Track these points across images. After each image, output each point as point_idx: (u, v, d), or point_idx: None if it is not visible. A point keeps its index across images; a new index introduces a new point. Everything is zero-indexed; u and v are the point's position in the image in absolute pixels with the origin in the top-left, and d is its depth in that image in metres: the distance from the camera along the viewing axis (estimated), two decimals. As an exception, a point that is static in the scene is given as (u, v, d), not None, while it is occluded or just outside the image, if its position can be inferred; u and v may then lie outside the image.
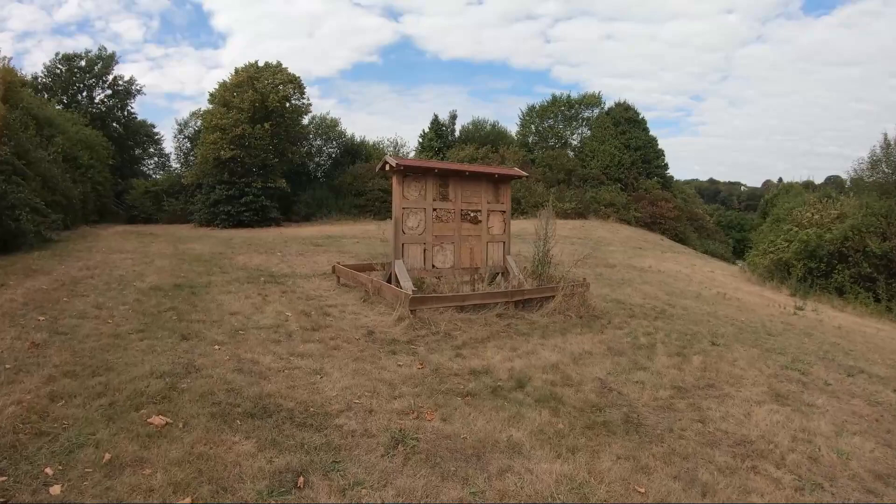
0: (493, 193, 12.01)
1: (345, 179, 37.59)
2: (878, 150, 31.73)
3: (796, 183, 71.03)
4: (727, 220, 61.31)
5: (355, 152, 42.52)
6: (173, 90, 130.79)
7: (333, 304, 9.86)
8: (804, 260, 22.36)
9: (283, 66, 34.31)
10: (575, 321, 10.00)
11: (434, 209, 11.00)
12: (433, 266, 11.04)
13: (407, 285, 9.98)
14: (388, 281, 10.82)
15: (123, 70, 55.79)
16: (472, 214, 11.61)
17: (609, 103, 48.16)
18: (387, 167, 10.38)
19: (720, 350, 8.74)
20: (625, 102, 46.34)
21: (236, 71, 33.81)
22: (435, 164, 10.95)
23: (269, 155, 33.09)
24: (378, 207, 35.75)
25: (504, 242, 12.31)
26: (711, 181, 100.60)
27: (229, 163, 31.72)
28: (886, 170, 31.27)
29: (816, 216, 24.01)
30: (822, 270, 22.22)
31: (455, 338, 8.19)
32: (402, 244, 10.58)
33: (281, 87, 33.05)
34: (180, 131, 45.13)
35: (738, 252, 50.19)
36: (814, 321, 15.23)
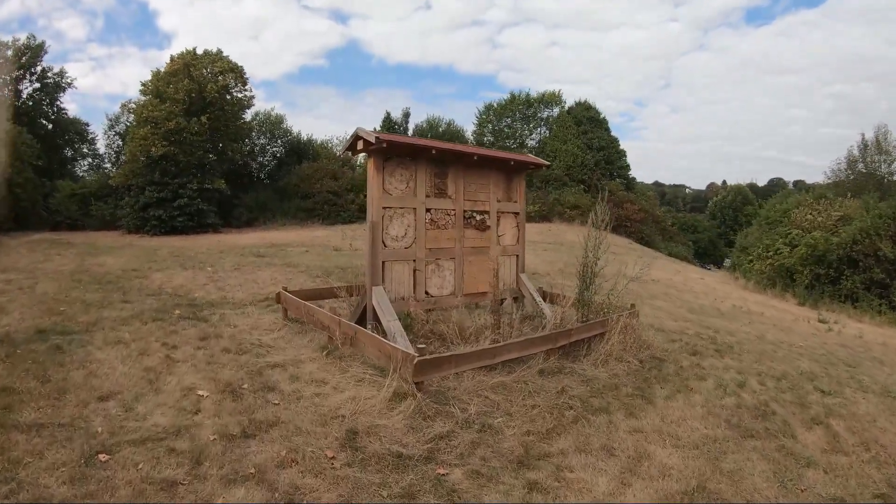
0: (504, 188, 8.45)
1: (290, 181, 32.99)
2: (855, 151, 30.06)
3: (743, 185, 70.84)
4: (680, 222, 59.50)
5: (302, 152, 37.78)
6: (116, 91, 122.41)
7: (279, 362, 6.01)
8: (811, 266, 19.67)
9: (224, 54, 29.83)
10: (639, 369, 7.10)
11: (427, 209, 7.33)
12: (426, 293, 7.36)
13: (393, 326, 6.30)
14: (362, 316, 7.10)
15: (70, 71, 49.68)
16: (478, 217, 8.00)
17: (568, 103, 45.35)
18: (359, 145, 6.65)
19: (843, 403, 6.88)
20: (586, 101, 43.50)
21: (171, 58, 29.05)
22: (431, 142, 7.27)
23: (207, 153, 28.54)
24: (327, 211, 31.56)
25: (517, 256, 8.77)
26: (656, 184, 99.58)
27: (161, 161, 26.95)
28: (863, 170, 29.47)
29: (819, 218, 21.39)
30: (831, 276, 19.60)
31: (502, 433, 4.62)
32: (383, 263, 6.86)
33: (220, 76, 28.50)
34: (111, 127, 39.63)
35: (699, 255, 48.20)
36: (853, 338, 13.62)
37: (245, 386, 5.22)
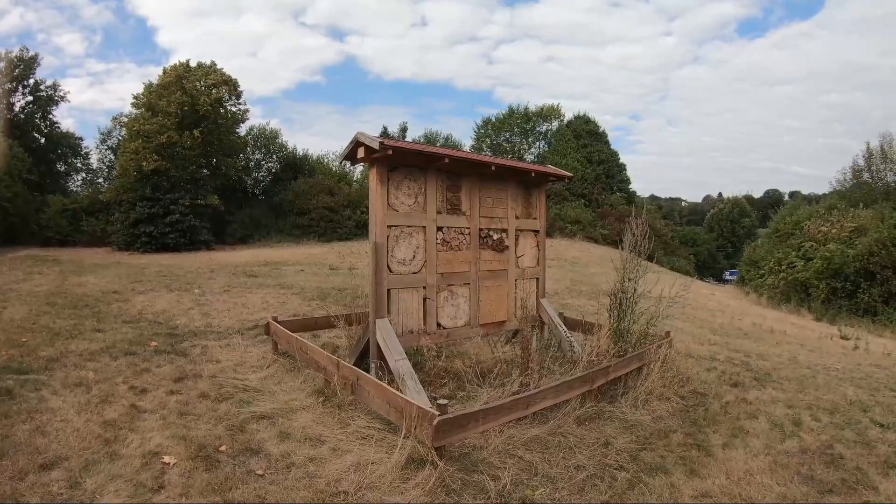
0: (523, 204, 7.51)
1: (285, 197, 31.94)
2: (860, 160, 29.25)
3: (740, 197, 70.27)
4: (679, 235, 58.75)
5: (297, 167, 36.77)
6: (114, 107, 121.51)
7: (267, 412, 4.98)
8: (827, 279, 18.78)
9: (218, 66, 28.96)
10: (683, 408, 6.10)
11: (439, 228, 6.36)
12: (438, 325, 6.36)
13: (401, 366, 5.31)
14: (363, 352, 6.11)
15: (68, 86, 48.65)
16: (495, 237, 7.04)
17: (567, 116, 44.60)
18: (360, 152, 5.68)
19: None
20: (585, 115, 42.87)
21: (164, 71, 28.22)
22: (443, 150, 6.31)
23: (200, 167, 27.64)
24: (323, 228, 30.55)
25: (538, 279, 7.81)
26: (652, 197, 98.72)
27: (153, 176, 26.02)
28: (869, 179, 28.70)
29: (834, 230, 20.49)
30: (847, 290, 18.71)
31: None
32: (389, 291, 5.86)
33: (214, 89, 27.59)
34: (103, 141, 38.62)
35: (698, 268, 47.28)
36: (882, 356, 12.56)
37: (223, 448, 4.20)
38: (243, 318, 9.42)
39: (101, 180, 39.43)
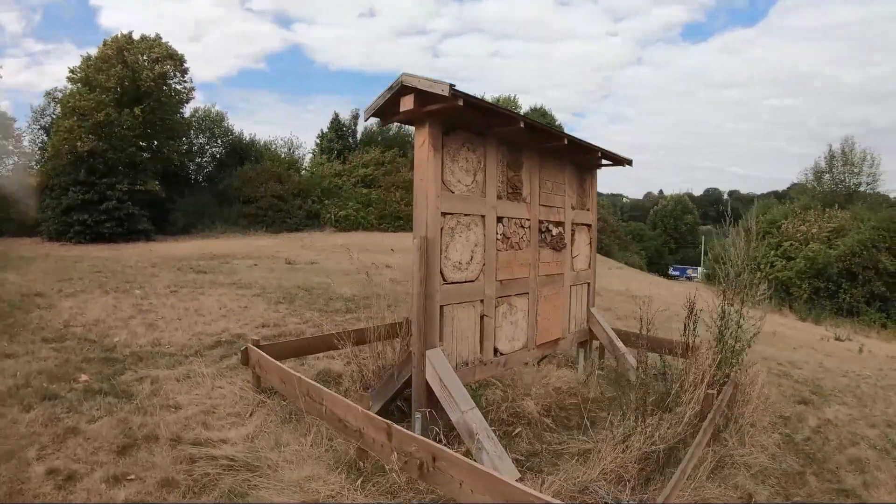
0: (577, 191, 5.78)
1: (231, 184, 28.86)
2: (822, 163, 29.02)
3: (682, 195, 71.08)
4: (626, 230, 58.65)
5: (244, 153, 33.64)
6: (52, 89, 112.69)
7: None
8: (809, 279, 18.08)
9: (164, 40, 25.84)
10: (788, 440, 5.12)
11: (499, 219, 4.51)
12: (496, 351, 4.52)
13: (472, 420, 3.51)
14: (400, 389, 4.23)
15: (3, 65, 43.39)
16: (553, 232, 5.26)
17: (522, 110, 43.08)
18: (405, 103, 3.70)
19: None
20: (542, 108, 41.51)
21: (104, 42, 24.96)
22: (512, 112, 4.39)
23: (140, 150, 24.53)
24: (272, 218, 27.80)
25: (589, 284, 6.08)
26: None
27: (88, 158, 22.81)
28: (831, 181, 28.52)
29: (813, 229, 19.77)
30: (829, 290, 18.07)
31: None
32: (441, 308, 3.96)
33: (158, 64, 24.54)
34: (35, 120, 34.53)
35: (648, 264, 46.94)
36: (888, 359, 12.44)
37: None
38: (199, 330, 7.26)
39: (33, 164, 35.46)
